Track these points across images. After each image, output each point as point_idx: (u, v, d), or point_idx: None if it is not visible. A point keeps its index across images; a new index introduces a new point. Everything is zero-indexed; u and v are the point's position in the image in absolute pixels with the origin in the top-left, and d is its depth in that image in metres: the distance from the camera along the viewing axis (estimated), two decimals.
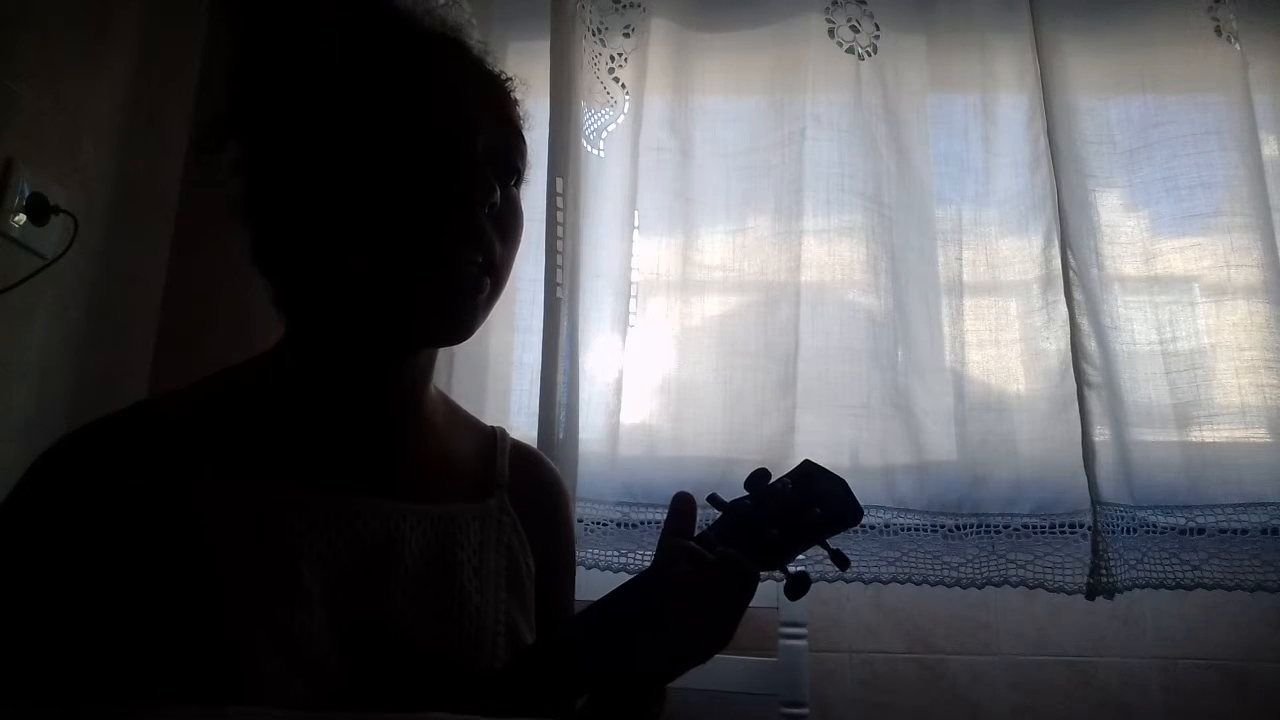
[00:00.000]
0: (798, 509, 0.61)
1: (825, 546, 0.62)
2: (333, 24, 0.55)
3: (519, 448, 0.70)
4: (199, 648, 0.47)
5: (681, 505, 0.61)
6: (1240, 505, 1.06)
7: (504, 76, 0.61)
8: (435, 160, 0.53)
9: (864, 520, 1.14)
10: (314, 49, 0.55)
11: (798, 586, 0.59)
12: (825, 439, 1.15)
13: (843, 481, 0.64)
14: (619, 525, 1.14)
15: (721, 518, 0.62)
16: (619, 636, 0.55)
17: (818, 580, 1.09)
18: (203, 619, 0.47)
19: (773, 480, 0.64)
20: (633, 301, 1.23)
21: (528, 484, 0.67)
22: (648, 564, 1.08)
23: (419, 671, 0.53)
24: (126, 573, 0.48)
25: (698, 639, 0.54)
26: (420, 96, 0.54)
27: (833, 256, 1.21)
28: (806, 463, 0.66)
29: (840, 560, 0.63)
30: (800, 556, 0.64)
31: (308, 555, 0.52)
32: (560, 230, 1.18)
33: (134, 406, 0.55)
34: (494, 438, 0.69)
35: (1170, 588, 1.05)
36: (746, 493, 0.63)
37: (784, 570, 0.60)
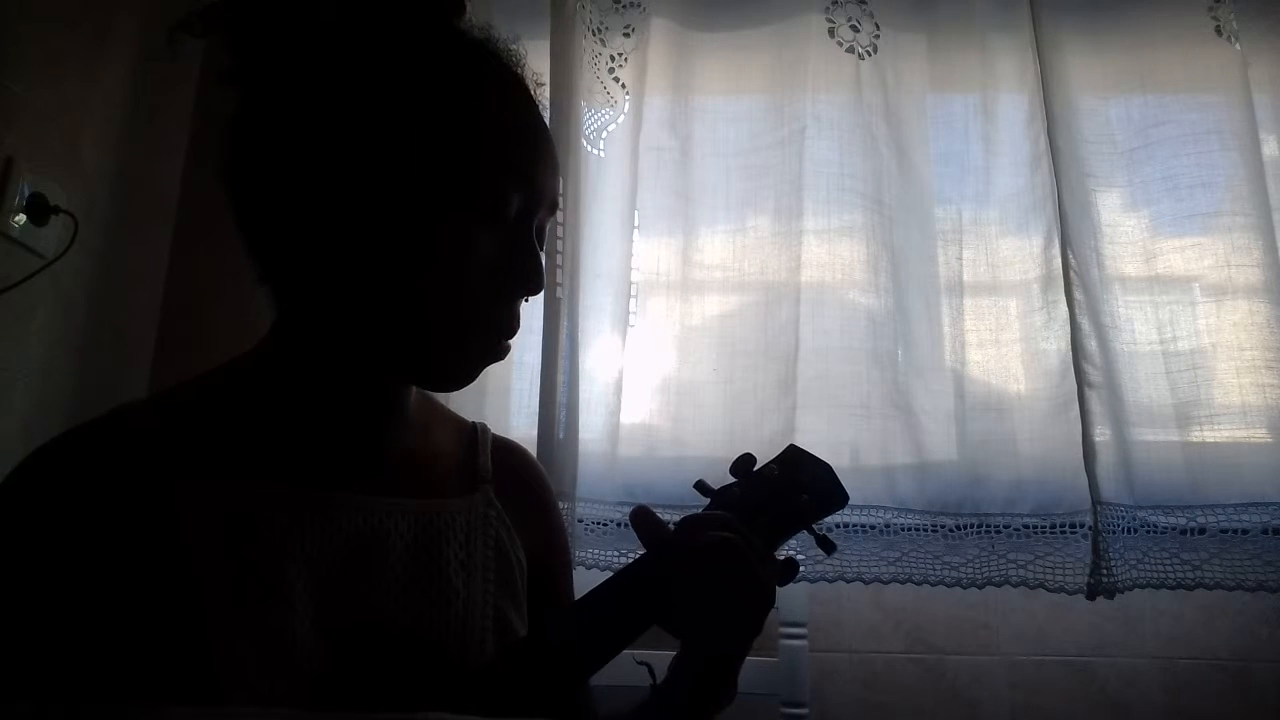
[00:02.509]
0: (786, 494, 0.61)
1: (812, 531, 0.62)
2: (420, 48, 0.53)
3: (500, 442, 0.70)
4: (182, 649, 0.46)
5: (644, 516, 0.60)
6: (1241, 505, 1.06)
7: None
8: (504, 230, 0.53)
9: (864, 520, 1.14)
10: (379, 30, 0.53)
11: (787, 573, 0.59)
12: (825, 439, 1.14)
13: (828, 466, 0.64)
14: (619, 525, 1.14)
15: (710, 504, 0.61)
16: (644, 608, 0.55)
17: (817, 580, 1.10)
18: (185, 620, 0.47)
19: (759, 466, 0.63)
20: (633, 301, 1.22)
21: (512, 477, 0.67)
22: None
23: (406, 667, 0.53)
24: (109, 576, 0.48)
25: (747, 599, 0.55)
26: (512, 148, 0.54)
27: (833, 256, 1.21)
28: (792, 447, 0.65)
29: (826, 545, 0.62)
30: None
31: (292, 553, 0.52)
32: (560, 230, 1.18)
33: (118, 408, 0.55)
34: (474, 432, 0.69)
35: (1171, 588, 1.05)
36: (734, 479, 0.63)
37: (773, 555, 0.60)
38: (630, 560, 1.09)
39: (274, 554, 0.51)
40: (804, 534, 0.63)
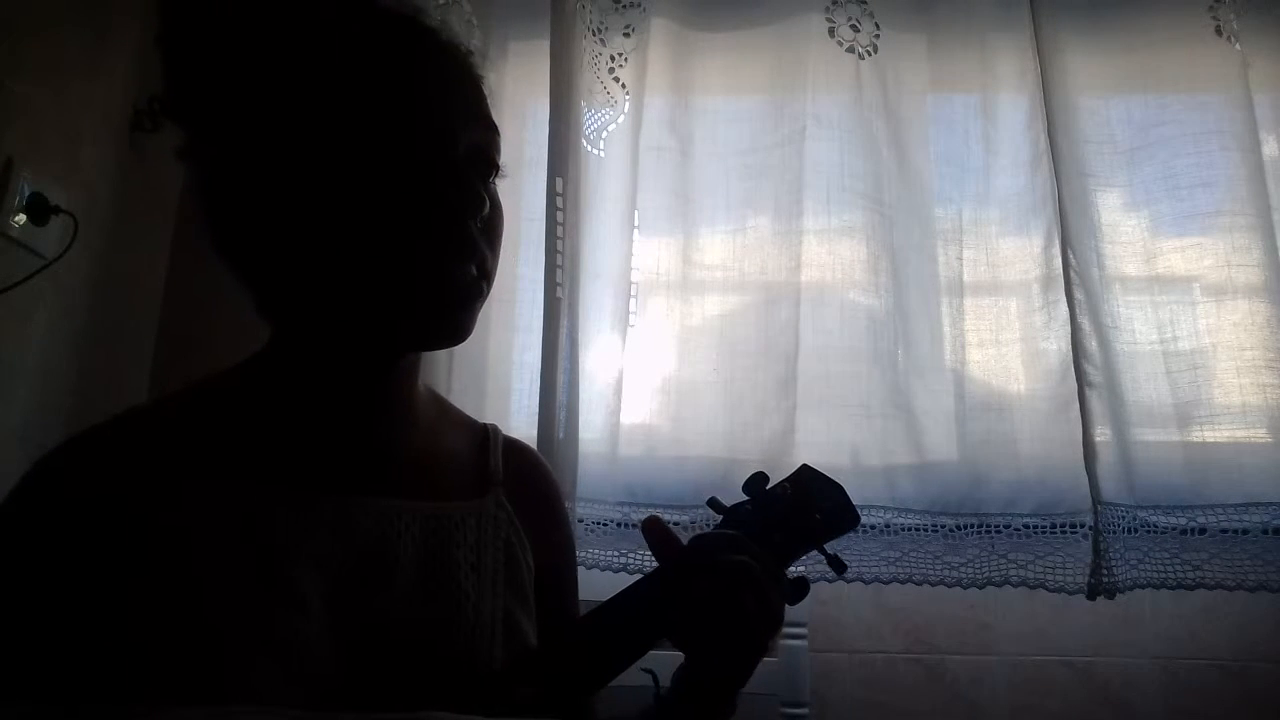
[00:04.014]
0: (797, 514, 0.62)
1: (823, 551, 0.63)
2: (285, 8, 0.53)
3: (512, 444, 0.69)
4: (192, 651, 0.46)
5: (657, 528, 0.61)
6: (1241, 505, 1.06)
7: (466, 51, 0.58)
8: (419, 171, 0.52)
9: (864, 520, 1.14)
10: (266, 35, 0.53)
11: (797, 592, 0.60)
12: (825, 439, 1.14)
13: (840, 487, 0.65)
14: (619, 525, 1.14)
15: (722, 522, 0.62)
16: (655, 622, 0.56)
17: (817, 580, 1.09)
18: (196, 622, 0.47)
19: (771, 485, 0.64)
20: (633, 301, 1.22)
21: (522, 480, 0.67)
22: (648, 564, 1.09)
23: (416, 671, 0.53)
24: (121, 577, 0.48)
25: (758, 621, 0.56)
26: (395, 102, 0.52)
27: (833, 256, 1.21)
28: (804, 467, 0.66)
29: (837, 565, 0.63)
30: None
31: (302, 556, 0.52)
32: (560, 230, 1.18)
33: (126, 412, 0.55)
34: (486, 434, 0.68)
35: (1171, 588, 1.05)
36: (746, 496, 0.63)
37: (784, 575, 0.61)
38: (628, 560, 1.11)
39: (286, 556, 0.51)
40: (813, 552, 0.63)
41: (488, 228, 0.56)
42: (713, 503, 0.63)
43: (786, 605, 0.59)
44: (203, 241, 0.56)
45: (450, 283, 0.53)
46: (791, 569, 0.61)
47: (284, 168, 0.52)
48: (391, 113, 0.52)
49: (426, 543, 0.57)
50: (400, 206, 0.51)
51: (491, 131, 0.58)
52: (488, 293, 0.57)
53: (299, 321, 0.57)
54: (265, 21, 0.53)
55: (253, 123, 0.52)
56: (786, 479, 0.65)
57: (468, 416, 0.70)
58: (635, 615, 0.56)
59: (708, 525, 1.09)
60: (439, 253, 0.53)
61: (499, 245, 0.58)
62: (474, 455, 0.66)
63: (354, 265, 0.52)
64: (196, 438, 0.53)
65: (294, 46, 0.53)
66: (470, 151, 0.55)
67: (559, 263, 1.17)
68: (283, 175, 0.52)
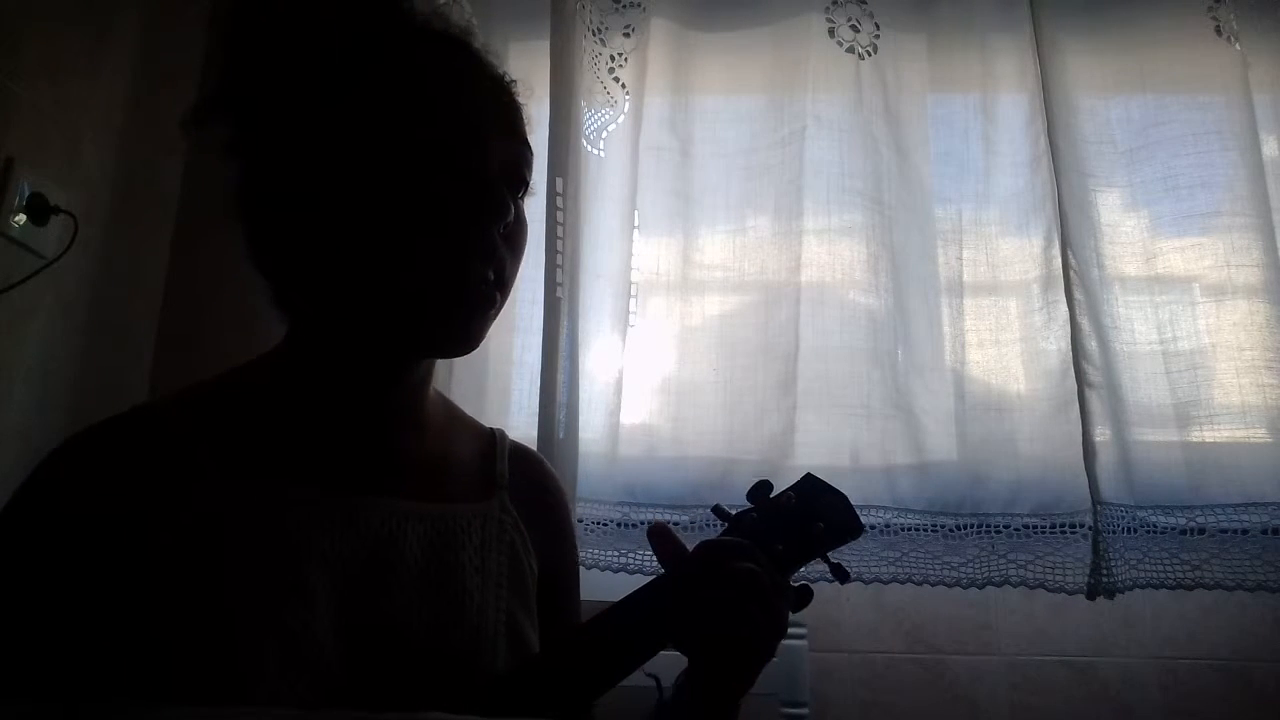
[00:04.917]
0: (801, 523, 0.62)
1: (826, 560, 0.63)
2: (339, 19, 0.55)
3: (518, 449, 0.70)
4: (203, 646, 0.47)
5: (663, 534, 0.62)
6: (1241, 505, 1.06)
7: (509, 80, 0.60)
8: (449, 175, 0.53)
9: (864, 520, 1.14)
10: (320, 43, 0.54)
11: (801, 600, 0.61)
12: (825, 439, 1.14)
13: (844, 496, 0.65)
14: (619, 525, 1.14)
15: (727, 530, 0.62)
16: (658, 627, 0.56)
17: (818, 581, 1.09)
18: (207, 617, 0.48)
19: (775, 493, 0.64)
20: (633, 301, 1.23)
21: (528, 485, 0.67)
22: (648, 564, 1.09)
23: (420, 671, 0.53)
24: (131, 573, 0.48)
25: (765, 629, 0.56)
26: (433, 106, 0.54)
27: (833, 256, 1.21)
28: (809, 476, 0.66)
29: (840, 574, 0.64)
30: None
31: (311, 554, 0.52)
32: (560, 230, 1.18)
33: (136, 408, 0.56)
34: (493, 438, 0.69)
35: (1171, 588, 1.05)
36: (749, 504, 0.64)
37: (789, 583, 0.61)
38: (628, 560, 1.11)
39: (294, 554, 0.52)
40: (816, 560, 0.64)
41: (510, 238, 0.56)
42: (717, 510, 0.64)
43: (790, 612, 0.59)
44: (240, 242, 0.57)
45: (466, 282, 0.53)
46: (794, 577, 0.62)
47: (323, 163, 0.53)
48: (428, 120, 0.53)
49: (432, 544, 0.57)
50: (427, 206, 0.52)
51: (524, 148, 0.59)
52: (500, 305, 0.57)
53: (317, 317, 0.57)
54: (319, 31, 0.54)
55: (299, 121, 0.54)
56: (791, 487, 0.65)
57: (475, 421, 0.71)
58: (641, 620, 0.57)
59: (708, 525, 1.09)
60: (458, 251, 0.53)
61: (520, 258, 0.58)
62: (480, 459, 0.66)
63: (376, 258, 0.52)
64: (206, 434, 0.54)
65: (344, 57, 0.54)
66: (501, 165, 0.56)
67: (559, 263, 1.17)
68: (321, 170, 0.53)
